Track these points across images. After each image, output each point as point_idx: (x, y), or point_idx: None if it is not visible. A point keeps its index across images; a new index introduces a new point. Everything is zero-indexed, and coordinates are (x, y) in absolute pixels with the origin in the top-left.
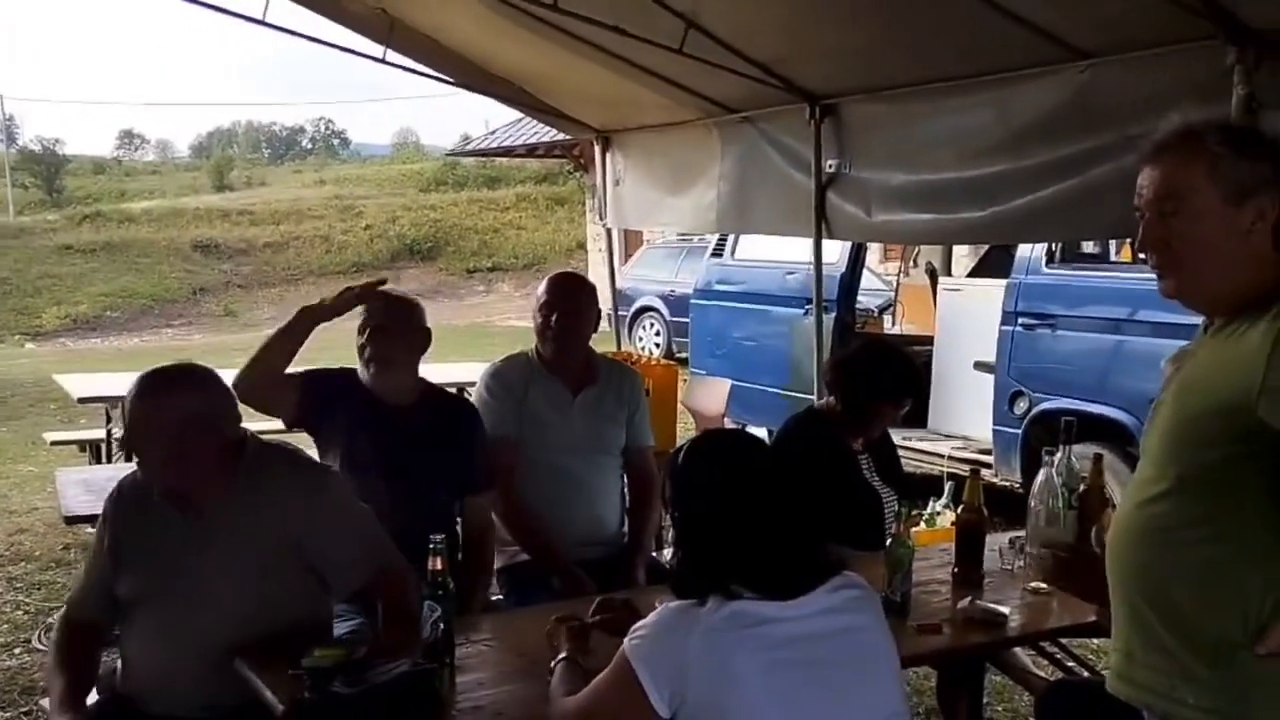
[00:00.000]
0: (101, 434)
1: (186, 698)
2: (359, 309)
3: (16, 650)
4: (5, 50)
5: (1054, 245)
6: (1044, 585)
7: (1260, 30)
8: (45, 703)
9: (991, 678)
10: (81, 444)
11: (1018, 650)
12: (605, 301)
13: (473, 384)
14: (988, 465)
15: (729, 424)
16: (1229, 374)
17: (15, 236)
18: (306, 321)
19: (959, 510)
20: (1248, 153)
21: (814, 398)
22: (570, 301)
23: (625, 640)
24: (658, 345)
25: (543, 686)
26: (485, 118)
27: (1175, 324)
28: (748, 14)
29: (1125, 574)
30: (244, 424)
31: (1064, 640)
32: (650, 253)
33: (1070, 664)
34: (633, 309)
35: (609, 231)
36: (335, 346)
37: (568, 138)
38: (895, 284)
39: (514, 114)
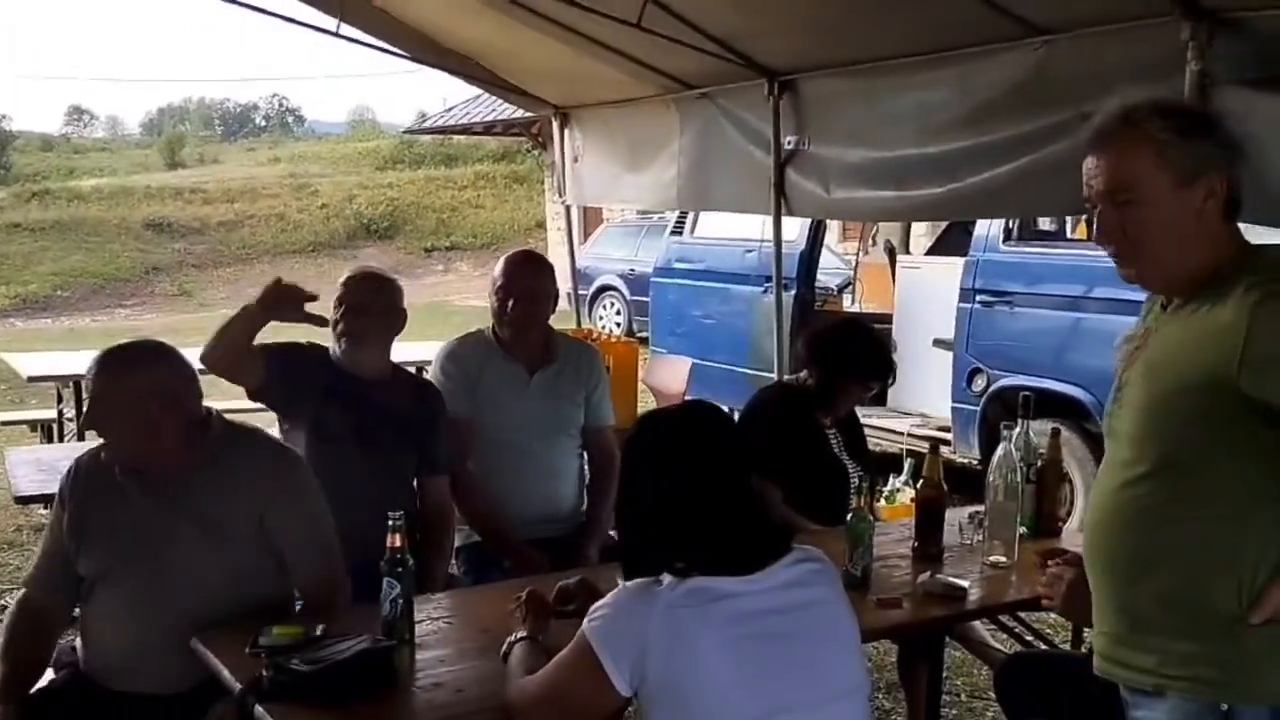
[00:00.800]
0: (53, 413)
1: (149, 674)
2: (340, 282)
3: None
4: None
5: (1011, 223)
6: (1003, 559)
7: (1213, 7)
8: None
9: (951, 652)
10: (32, 424)
11: (976, 624)
12: (565, 280)
13: (430, 363)
14: (947, 442)
15: None
16: (1202, 350)
17: None
18: (246, 318)
19: (918, 486)
20: (1190, 134)
21: (774, 375)
22: (527, 284)
23: (585, 620)
24: (618, 324)
25: (503, 664)
26: (443, 95)
27: (1131, 300)
28: None
29: (1112, 558)
30: (209, 402)
31: (1021, 614)
32: (610, 231)
33: (1029, 637)
34: (593, 288)
35: (568, 210)
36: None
37: (526, 115)
38: (854, 262)
39: (472, 91)
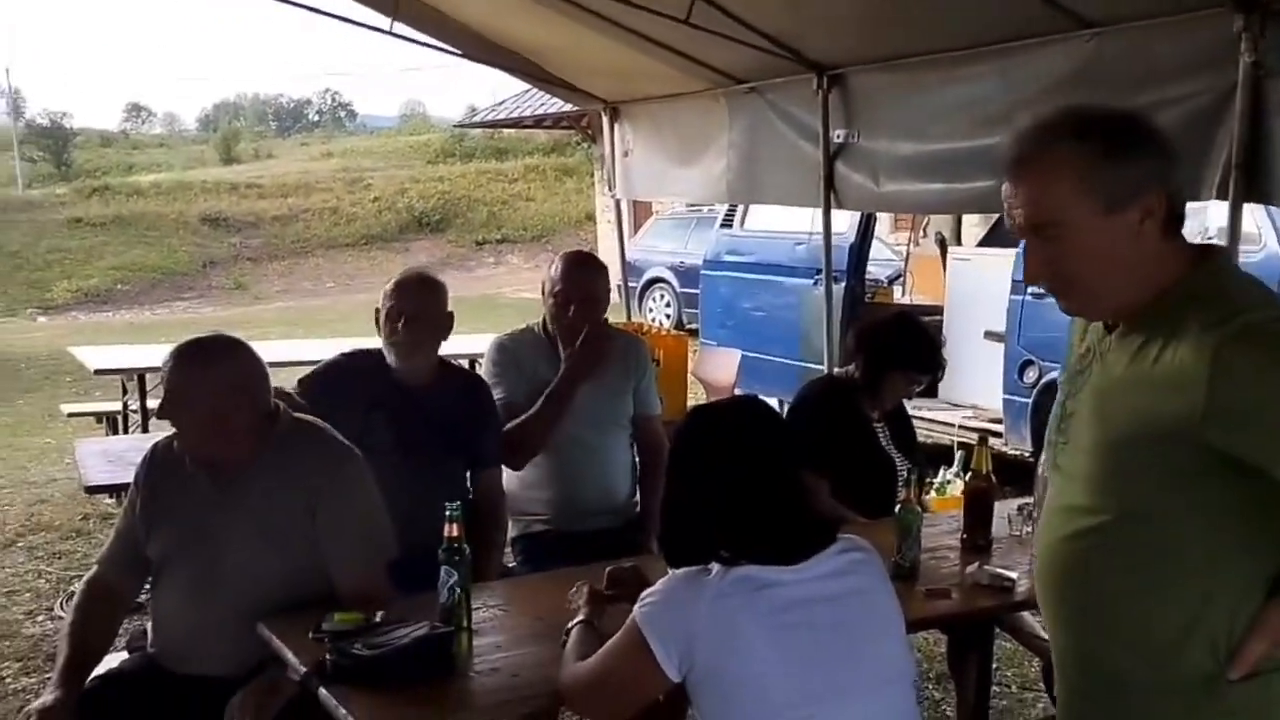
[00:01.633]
0: (118, 405)
1: (213, 658)
2: (389, 289)
3: (39, 618)
4: (9, 23)
5: None
6: None
7: None
8: None
9: (1001, 643)
10: (98, 415)
11: (1026, 615)
12: (615, 274)
13: (483, 355)
14: (998, 434)
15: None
16: (1161, 399)
17: (24, 210)
18: None
19: (968, 478)
20: (1116, 153)
21: (823, 368)
22: (587, 289)
23: (635, 607)
24: (668, 316)
25: (558, 650)
26: (493, 88)
27: None
28: None
29: (1069, 614)
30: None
31: None
32: (659, 224)
33: None
34: (642, 280)
35: (617, 203)
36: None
37: (575, 109)
38: (905, 254)
39: (522, 85)
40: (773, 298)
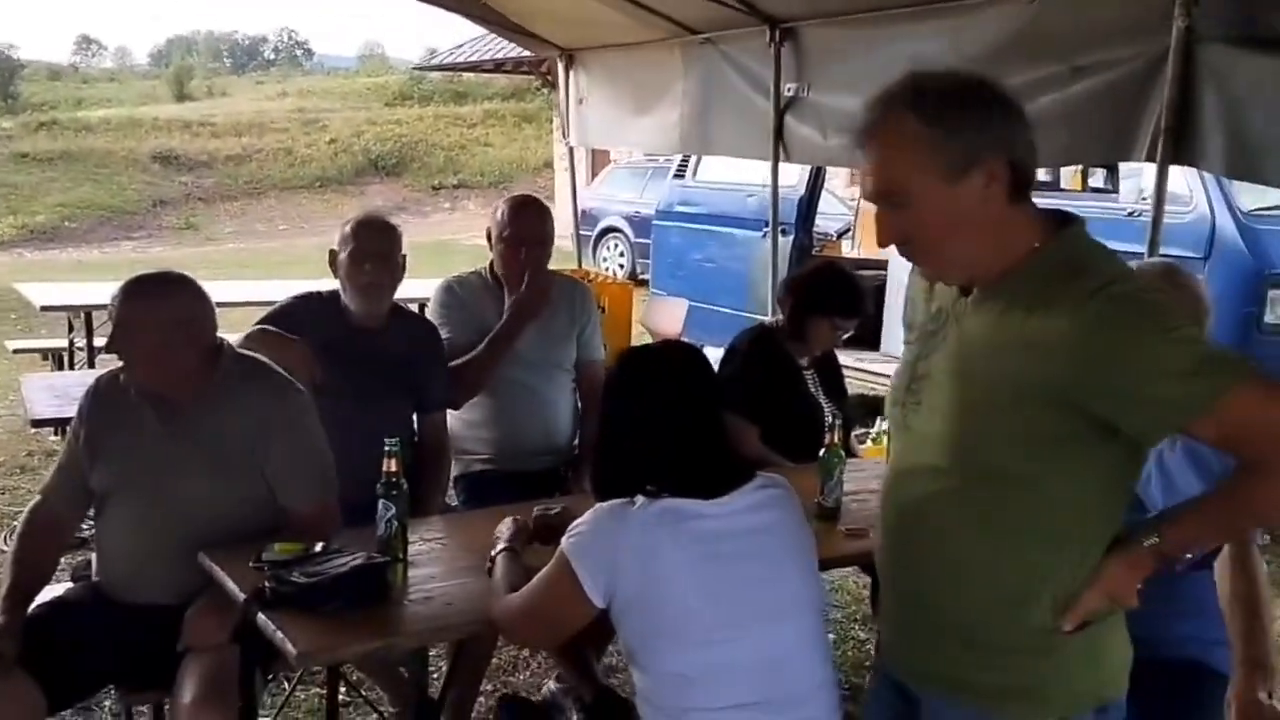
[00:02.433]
0: (64, 343)
1: (156, 587)
2: (349, 231)
3: None
4: None
5: None
6: None
7: None
8: None
9: None
10: (44, 352)
11: None
12: (569, 222)
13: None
14: None
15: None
16: (1028, 361)
17: None
18: None
19: None
20: (952, 120)
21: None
22: (536, 232)
23: (564, 538)
24: (622, 266)
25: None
26: (454, 32)
27: (1126, 252)
28: None
29: (911, 566)
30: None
31: None
32: (616, 172)
33: None
34: (597, 229)
35: (571, 150)
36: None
37: (534, 54)
38: (855, 208)
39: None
40: (722, 249)
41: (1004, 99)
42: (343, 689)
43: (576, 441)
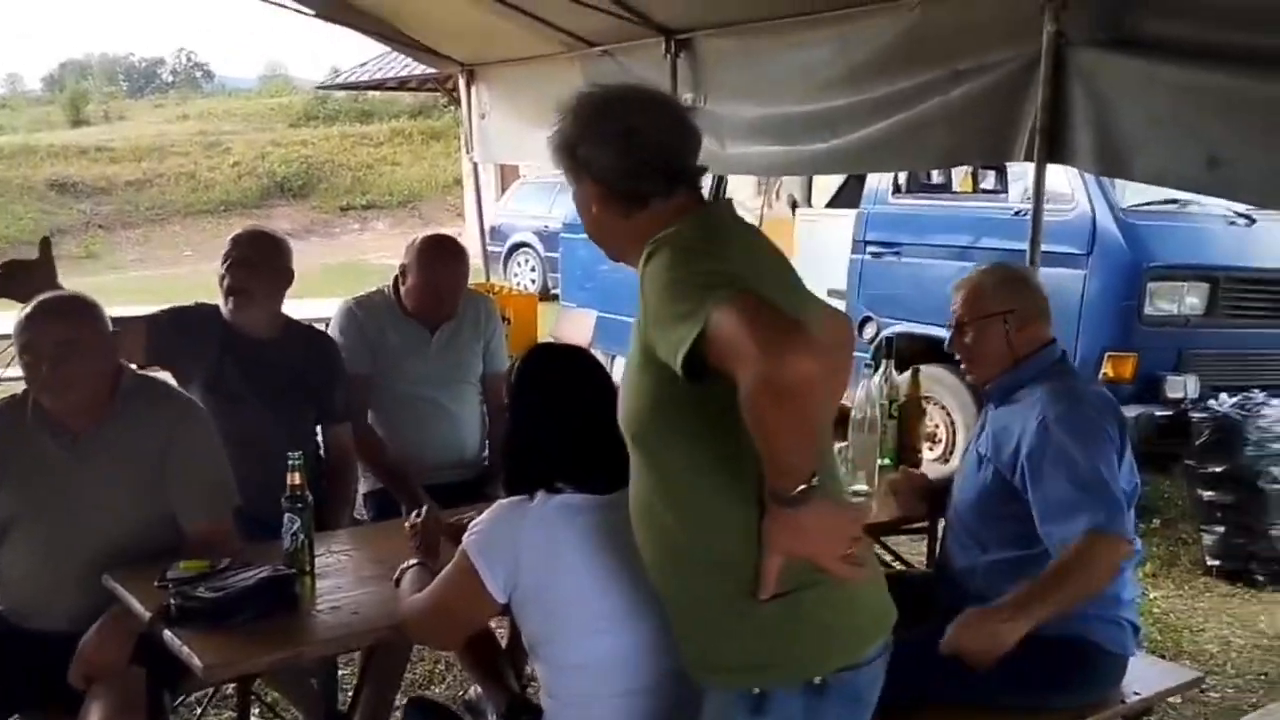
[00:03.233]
0: None
1: (62, 613)
2: (228, 244)
3: None
4: None
5: (899, 176)
6: (864, 487)
7: None
8: None
9: None
10: None
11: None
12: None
13: None
14: None
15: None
16: (639, 321)
17: None
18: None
19: None
20: (568, 137)
21: None
22: (449, 281)
23: (465, 536)
24: (533, 281)
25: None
26: (358, 50)
27: (1016, 250)
28: None
29: (648, 553)
30: None
31: (883, 537)
32: (524, 188)
33: (887, 558)
34: (507, 245)
35: (476, 166)
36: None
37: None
38: (759, 216)
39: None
40: None
41: (604, 125)
42: (255, 710)
43: (485, 454)
